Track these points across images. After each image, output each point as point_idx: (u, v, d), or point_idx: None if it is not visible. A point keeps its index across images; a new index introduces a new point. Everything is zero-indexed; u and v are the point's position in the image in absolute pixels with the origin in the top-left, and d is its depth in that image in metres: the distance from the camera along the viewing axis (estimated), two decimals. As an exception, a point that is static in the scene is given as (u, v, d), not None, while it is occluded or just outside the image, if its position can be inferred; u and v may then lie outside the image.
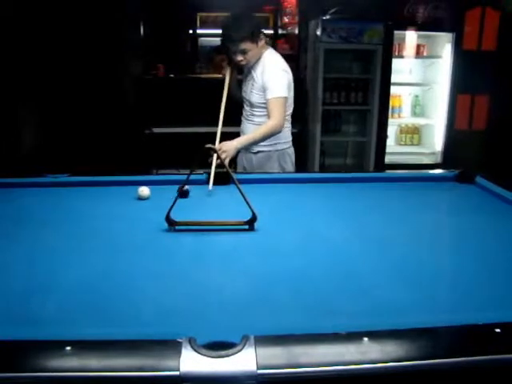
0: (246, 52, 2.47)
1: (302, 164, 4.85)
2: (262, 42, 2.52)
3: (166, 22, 4.65)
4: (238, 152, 2.56)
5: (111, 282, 1.24)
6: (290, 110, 2.61)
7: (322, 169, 4.66)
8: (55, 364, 0.84)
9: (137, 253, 1.43)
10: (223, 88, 2.55)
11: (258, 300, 1.14)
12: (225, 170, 1.91)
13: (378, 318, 1.04)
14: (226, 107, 2.51)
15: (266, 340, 0.90)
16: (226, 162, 2.24)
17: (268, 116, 2.47)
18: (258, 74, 2.53)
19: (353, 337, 0.93)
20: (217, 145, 2.32)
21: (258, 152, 2.61)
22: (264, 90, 2.48)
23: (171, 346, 0.88)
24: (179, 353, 0.86)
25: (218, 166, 2.17)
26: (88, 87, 4.39)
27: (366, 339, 0.92)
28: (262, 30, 2.59)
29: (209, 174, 2.15)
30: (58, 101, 4.39)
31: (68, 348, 0.86)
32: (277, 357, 0.87)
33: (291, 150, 2.73)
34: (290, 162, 2.72)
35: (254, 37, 2.46)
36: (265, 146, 2.58)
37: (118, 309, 1.09)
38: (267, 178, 2.27)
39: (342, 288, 1.22)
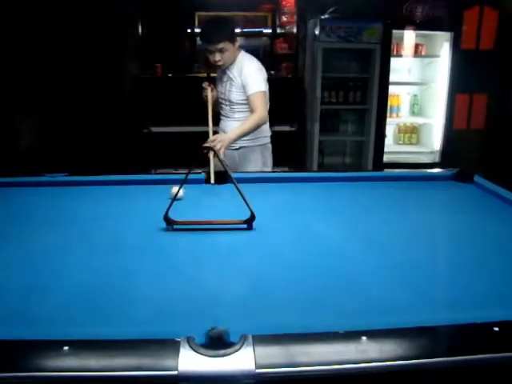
0: (224, 52, 2.58)
1: (300, 163, 4.86)
2: (237, 43, 2.67)
3: (164, 21, 4.64)
4: None
5: (109, 281, 1.23)
6: (267, 105, 2.75)
7: (321, 168, 4.66)
8: (53, 364, 0.84)
9: (135, 252, 1.43)
10: (207, 107, 2.67)
11: (257, 299, 1.14)
12: (223, 169, 1.92)
13: (376, 317, 1.04)
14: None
15: (264, 339, 0.90)
16: (222, 151, 2.36)
17: (251, 110, 2.59)
18: (235, 73, 2.65)
19: (351, 336, 0.93)
20: (211, 136, 2.45)
21: (241, 148, 2.71)
22: (243, 87, 2.61)
23: (169, 345, 0.88)
24: (177, 352, 0.86)
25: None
26: (86, 86, 4.39)
27: (364, 338, 0.92)
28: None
29: (208, 172, 2.18)
30: (57, 100, 4.38)
31: (66, 348, 0.86)
32: (275, 356, 0.87)
33: (270, 145, 2.89)
34: (270, 156, 2.89)
35: (232, 38, 2.60)
36: (247, 141, 2.69)
37: (116, 308, 1.09)
38: (265, 177, 2.28)
39: (341, 287, 1.22)
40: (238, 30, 4.63)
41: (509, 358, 0.90)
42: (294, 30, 4.80)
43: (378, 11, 4.38)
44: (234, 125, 2.70)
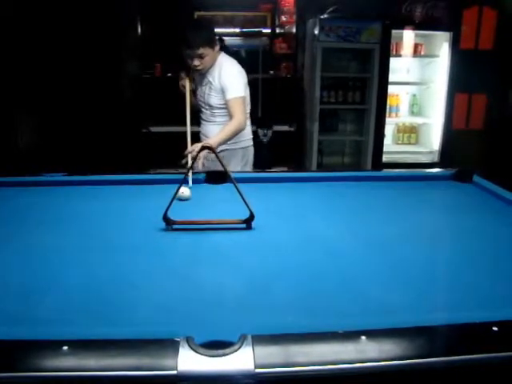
0: (204, 57, 2.55)
1: (299, 163, 4.87)
2: (217, 47, 2.62)
3: (163, 21, 4.64)
4: None
5: (108, 281, 1.23)
6: (248, 109, 2.73)
7: (320, 167, 4.66)
8: (52, 363, 0.84)
9: (134, 252, 1.43)
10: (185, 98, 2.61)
11: (256, 299, 1.14)
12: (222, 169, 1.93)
13: (375, 317, 1.04)
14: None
15: (263, 339, 0.91)
16: (200, 162, 2.35)
17: (230, 116, 2.56)
18: (214, 77, 2.62)
19: (350, 336, 0.93)
20: (189, 146, 2.38)
21: (222, 151, 2.65)
22: (222, 91, 2.58)
23: (169, 345, 0.88)
24: (177, 352, 0.86)
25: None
26: (85, 86, 4.38)
27: (363, 338, 0.92)
28: (217, 35, 2.70)
29: (207, 172, 2.21)
30: (56, 100, 4.37)
31: (65, 348, 0.86)
32: (274, 356, 0.87)
33: (252, 148, 2.87)
34: (251, 159, 2.87)
35: (211, 42, 2.56)
36: (229, 144, 2.65)
37: (115, 308, 1.09)
38: (265, 176, 2.28)
39: (340, 287, 1.22)
40: (237, 30, 4.67)
41: (508, 358, 0.91)
42: (294, 30, 4.80)
43: (377, 11, 4.37)
44: (215, 129, 2.67)
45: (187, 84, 2.62)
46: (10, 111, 4.17)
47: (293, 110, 4.78)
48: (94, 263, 1.34)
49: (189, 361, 0.85)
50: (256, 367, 0.84)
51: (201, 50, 2.52)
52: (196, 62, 2.56)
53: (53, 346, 0.87)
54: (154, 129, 4.58)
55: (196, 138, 2.67)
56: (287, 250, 1.46)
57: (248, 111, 2.74)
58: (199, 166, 2.34)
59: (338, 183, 2.21)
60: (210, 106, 2.69)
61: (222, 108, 2.65)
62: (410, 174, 2.44)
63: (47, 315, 1.04)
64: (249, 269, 1.32)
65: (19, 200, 1.95)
